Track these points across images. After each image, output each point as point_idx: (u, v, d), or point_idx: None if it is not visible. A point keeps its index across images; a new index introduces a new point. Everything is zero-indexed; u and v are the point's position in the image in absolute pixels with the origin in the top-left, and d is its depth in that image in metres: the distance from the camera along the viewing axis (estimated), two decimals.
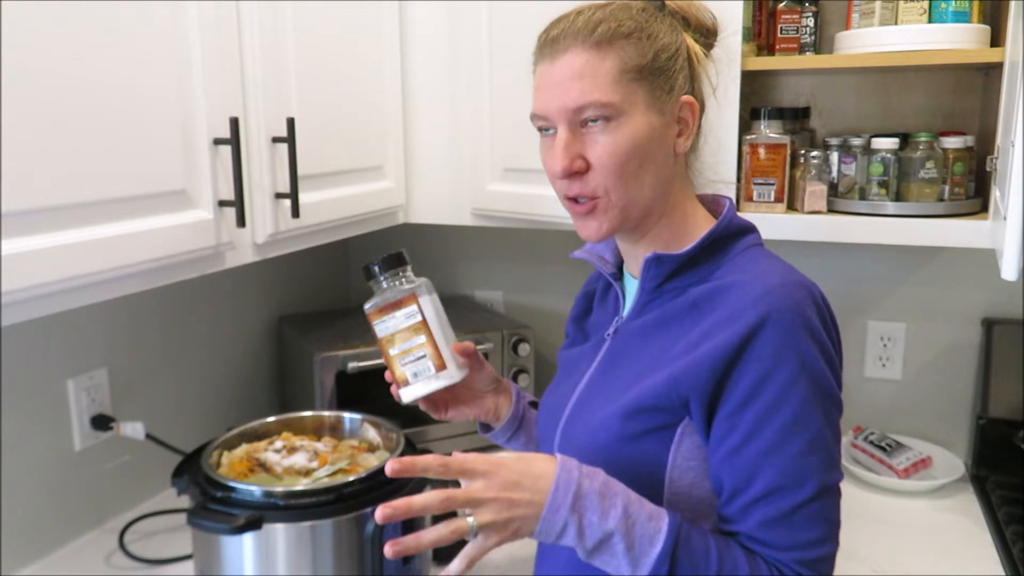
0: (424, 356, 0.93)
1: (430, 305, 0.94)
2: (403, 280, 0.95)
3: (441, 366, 0.93)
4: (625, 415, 0.84)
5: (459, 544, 0.77)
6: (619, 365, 0.90)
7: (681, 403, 0.80)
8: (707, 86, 0.91)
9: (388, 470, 0.76)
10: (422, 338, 0.93)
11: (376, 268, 0.95)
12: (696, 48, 0.87)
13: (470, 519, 0.75)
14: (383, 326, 0.94)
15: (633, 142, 0.83)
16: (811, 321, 0.78)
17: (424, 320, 0.93)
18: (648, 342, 0.87)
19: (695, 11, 0.89)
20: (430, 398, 1.01)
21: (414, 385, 0.95)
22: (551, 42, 0.85)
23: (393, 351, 0.94)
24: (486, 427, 1.09)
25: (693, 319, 0.83)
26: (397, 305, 0.93)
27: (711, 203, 0.94)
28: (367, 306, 0.95)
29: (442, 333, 0.94)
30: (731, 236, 0.88)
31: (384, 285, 0.95)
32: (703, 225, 0.89)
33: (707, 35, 0.90)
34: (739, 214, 0.92)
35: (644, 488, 0.81)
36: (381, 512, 0.75)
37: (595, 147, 0.83)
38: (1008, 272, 0.83)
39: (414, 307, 0.93)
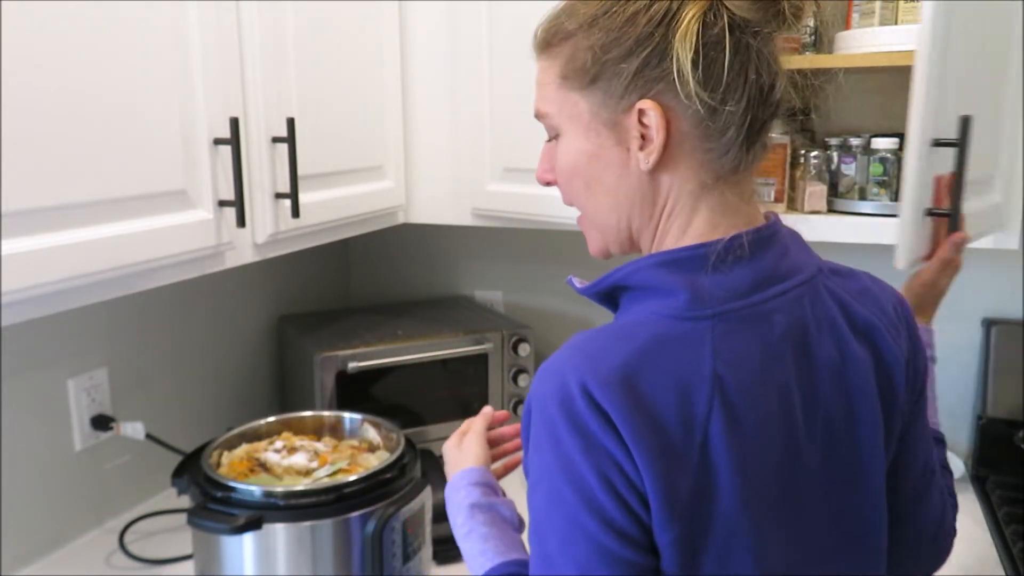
0: None
1: None
2: None
3: None
4: None
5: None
6: None
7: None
8: (762, 73, 0.68)
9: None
10: None
11: None
12: (690, 27, 0.65)
13: None
14: None
15: (570, 165, 0.74)
16: (552, 419, 0.65)
17: None
18: None
19: None
20: None
21: None
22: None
23: None
24: None
25: None
26: None
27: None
28: None
29: None
30: (634, 289, 0.71)
31: None
32: None
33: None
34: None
35: None
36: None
37: (555, 162, 0.77)
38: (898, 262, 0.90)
39: None
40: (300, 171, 1.21)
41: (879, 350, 0.77)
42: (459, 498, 0.86)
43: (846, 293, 0.77)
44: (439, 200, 1.59)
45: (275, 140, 1.19)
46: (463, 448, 0.94)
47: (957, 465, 1.57)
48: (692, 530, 0.65)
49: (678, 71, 0.66)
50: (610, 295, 0.74)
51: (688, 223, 0.71)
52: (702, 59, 0.65)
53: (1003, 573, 1.26)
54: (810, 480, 0.71)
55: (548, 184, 0.79)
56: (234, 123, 1.07)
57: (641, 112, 0.68)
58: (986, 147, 1.15)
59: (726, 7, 0.66)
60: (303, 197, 1.23)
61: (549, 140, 0.78)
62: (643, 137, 0.69)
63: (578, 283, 0.77)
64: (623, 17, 0.67)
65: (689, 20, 0.65)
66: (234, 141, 1.07)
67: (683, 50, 0.65)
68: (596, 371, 0.64)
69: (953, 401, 1.66)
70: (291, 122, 1.18)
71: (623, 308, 0.73)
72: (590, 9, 0.70)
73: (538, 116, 0.77)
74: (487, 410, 1.00)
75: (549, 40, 0.73)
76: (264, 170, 1.18)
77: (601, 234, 0.77)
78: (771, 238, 0.71)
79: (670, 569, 0.65)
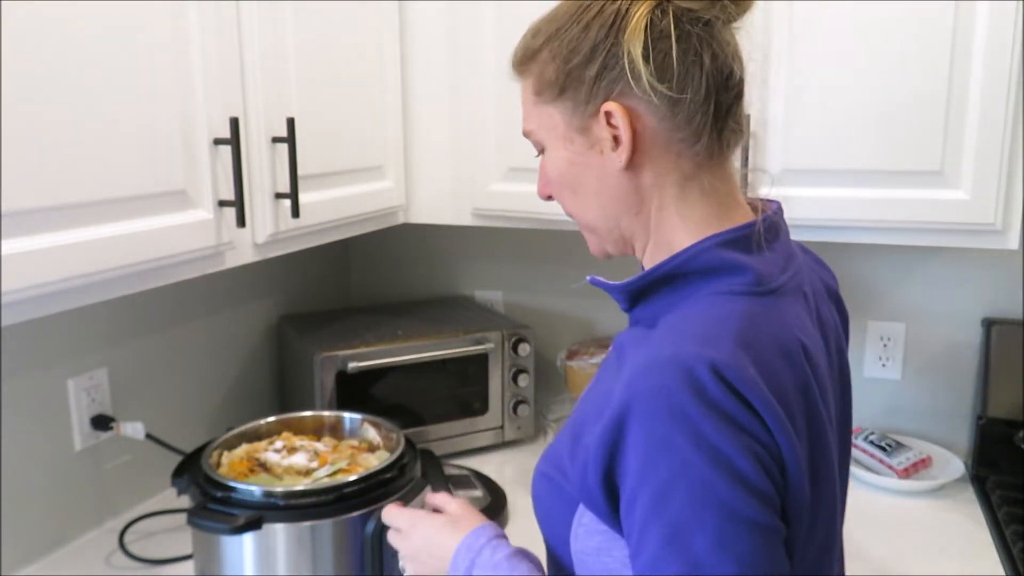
0: None
1: None
2: None
3: None
4: (542, 459, 0.78)
5: None
6: (586, 397, 0.78)
7: (580, 478, 0.69)
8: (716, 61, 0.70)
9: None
10: None
11: None
12: (638, 25, 0.69)
13: (402, 563, 0.92)
14: None
15: (557, 173, 0.78)
16: (683, 410, 0.61)
17: None
18: (599, 377, 0.77)
19: None
20: None
21: None
22: None
23: None
24: None
25: (617, 368, 0.70)
26: None
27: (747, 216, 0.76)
28: None
29: None
30: (696, 273, 0.71)
31: None
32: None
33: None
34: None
35: (554, 554, 0.76)
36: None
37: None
38: None
39: None
40: (300, 171, 1.21)
41: (844, 312, 0.88)
42: (487, 553, 0.79)
43: (814, 264, 0.86)
44: (439, 200, 1.59)
45: (275, 140, 1.19)
46: (454, 514, 0.88)
47: (957, 465, 1.57)
48: (813, 495, 0.67)
49: (631, 67, 0.69)
50: (641, 291, 0.75)
51: (684, 212, 0.74)
52: (652, 53, 0.69)
53: (1003, 573, 1.26)
54: (834, 437, 0.76)
55: (549, 198, 0.82)
56: (234, 123, 1.07)
57: (608, 115, 0.71)
58: None
59: (671, 2, 0.69)
60: (303, 197, 1.23)
61: (537, 155, 0.82)
62: (615, 139, 0.72)
63: (608, 280, 0.78)
64: (579, 27, 0.72)
65: (637, 19, 0.69)
66: (234, 141, 1.07)
67: (633, 47, 0.69)
68: (719, 353, 0.63)
69: (953, 401, 1.66)
70: (291, 122, 1.18)
71: (666, 299, 0.73)
72: (551, 26, 0.74)
73: (525, 134, 0.81)
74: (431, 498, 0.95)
75: (522, 61, 0.78)
76: (264, 170, 1.18)
77: (597, 236, 0.80)
78: (782, 219, 0.78)
79: (793, 538, 0.66)
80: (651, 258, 0.77)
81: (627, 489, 0.64)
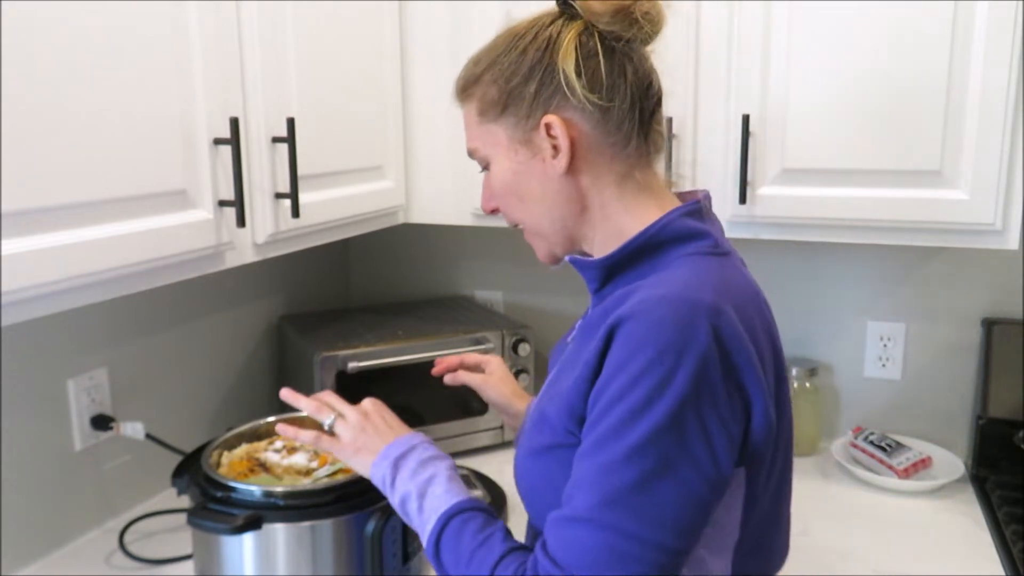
0: None
1: None
2: None
3: None
4: (532, 427, 0.84)
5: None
6: (561, 370, 0.86)
7: (569, 427, 0.77)
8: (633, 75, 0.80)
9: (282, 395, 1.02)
10: None
11: None
12: (568, 46, 0.78)
13: (329, 419, 0.97)
14: None
15: (503, 184, 0.85)
16: (671, 343, 0.68)
17: None
18: (576, 348, 0.84)
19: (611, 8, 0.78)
20: None
21: None
22: None
23: None
24: None
25: (589, 336, 0.78)
26: None
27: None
28: None
29: None
30: (668, 242, 0.80)
31: None
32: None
33: (638, 26, 0.79)
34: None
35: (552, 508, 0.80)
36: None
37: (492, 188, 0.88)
38: None
39: None
40: (300, 171, 1.21)
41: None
42: (419, 451, 0.92)
43: None
44: (439, 200, 1.59)
45: (275, 140, 1.19)
46: (387, 421, 0.98)
47: (957, 465, 1.57)
48: (777, 445, 0.77)
49: (566, 83, 0.79)
50: (617, 264, 0.81)
51: (627, 204, 0.83)
52: (583, 69, 0.78)
53: (1003, 573, 1.26)
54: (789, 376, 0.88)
55: (493, 212, 0.90)
56: (234, 123, 1.07)
57: (548, 126, 0.80)
58: None
59: (595, 26, 0.79)
60: (303, 197, 1.23)
61: (481, 171, 0.89)
62: (554, 147, 0.81)
63: (576, 257, 0.85)
64: (517, 52, 0.81)
65: (568, 41, 0.79)
66: (234, 141, 1.07)
67: (567, 65, 0.78)
68: (710, 299, 0.71)
69: (953, 401, 1.66)
70: (291, 122, 1.18)
71: (639, 270, 0.80)
72: (491, 53, 0.83)
73: (470, 154, 0.89)
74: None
75: (465, 87, 0.86)
76: (264, 170, 1.18)
77: (544, 240, 0.87)
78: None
79: (747, 491, 0.76)
80: (602, 248, 0.84)
81: (598, 387, 0.72)
